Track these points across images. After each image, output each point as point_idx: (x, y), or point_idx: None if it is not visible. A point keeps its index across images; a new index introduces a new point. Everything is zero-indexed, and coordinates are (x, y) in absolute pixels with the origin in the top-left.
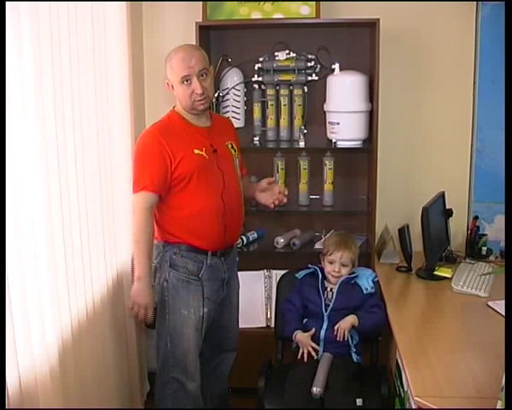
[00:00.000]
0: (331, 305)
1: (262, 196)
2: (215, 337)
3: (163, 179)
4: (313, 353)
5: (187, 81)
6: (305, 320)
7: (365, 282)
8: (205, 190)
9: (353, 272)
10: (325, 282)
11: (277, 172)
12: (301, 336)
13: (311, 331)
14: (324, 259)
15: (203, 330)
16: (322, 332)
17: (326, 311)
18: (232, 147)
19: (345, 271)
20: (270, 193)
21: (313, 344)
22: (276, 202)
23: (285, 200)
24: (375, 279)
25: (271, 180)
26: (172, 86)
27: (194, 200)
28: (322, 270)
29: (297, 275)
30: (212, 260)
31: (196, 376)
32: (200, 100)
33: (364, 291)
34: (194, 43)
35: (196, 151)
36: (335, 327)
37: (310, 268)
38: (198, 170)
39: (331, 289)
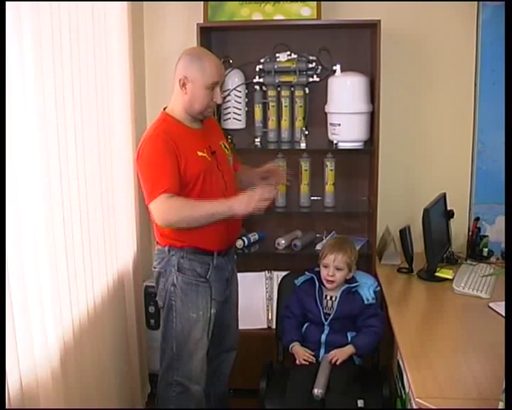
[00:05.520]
0: (332, 315)
1: (263, 180)
2: (216, 337)
3: (178, 179)
4: (310, 360)
5: (212, 88)
6: (306, 324)
7: (367, 292)
8: (209, 192)
9: (355, 280)
10: (323, 289)
11: None
12: (297, 349)
13: (311, 354)
14: (320, 263)
15: (210, 332)
16: (323, 337)
17: (326, 320)
18: (225, 147)
19: (339, 275)
20: (272, 177)
21: (307, 356)
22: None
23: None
24: (377, 289)
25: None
26: (186, 85)
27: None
28: (320, 276)
29: (296, 281)
30: (217, 261)
31: (201, 378)
32: (212, 109)
33: (365, 301)
34: (195, 44)
35: (200, 153)
36: (332, 353)
37: (308, 275)
38: (203, 172)
39: (331, 298)
